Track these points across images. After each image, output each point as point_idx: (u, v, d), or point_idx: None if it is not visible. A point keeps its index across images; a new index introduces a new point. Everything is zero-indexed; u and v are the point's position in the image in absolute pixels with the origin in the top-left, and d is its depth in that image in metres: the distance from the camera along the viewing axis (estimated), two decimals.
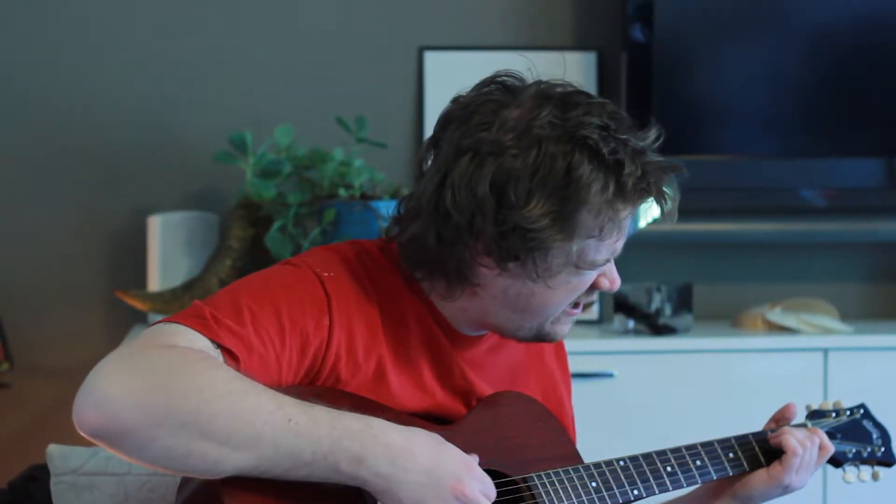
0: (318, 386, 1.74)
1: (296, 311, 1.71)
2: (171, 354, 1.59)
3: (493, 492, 1.69)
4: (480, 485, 1.68)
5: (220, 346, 1.64)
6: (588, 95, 1.77)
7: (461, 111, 1.77)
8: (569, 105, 1.73)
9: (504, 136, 1.72)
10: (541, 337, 1.84)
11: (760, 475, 2.00)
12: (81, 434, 1.56)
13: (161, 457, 1.56)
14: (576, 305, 1.83)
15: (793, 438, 1.99)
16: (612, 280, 1.82)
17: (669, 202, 1.78)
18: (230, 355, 1.64)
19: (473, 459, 1.70)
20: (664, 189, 1.76)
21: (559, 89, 1.76)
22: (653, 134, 1.77)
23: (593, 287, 1.81)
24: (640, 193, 1.74)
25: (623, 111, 1.78)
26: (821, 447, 2.02)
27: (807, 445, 2.00)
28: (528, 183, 1.70)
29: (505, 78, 1.79)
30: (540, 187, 1.70)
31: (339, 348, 1.75)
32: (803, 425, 2.07)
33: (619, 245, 1.79)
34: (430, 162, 1.80)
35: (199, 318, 1.65)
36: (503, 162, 1.71)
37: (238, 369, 1.63)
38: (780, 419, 2.08)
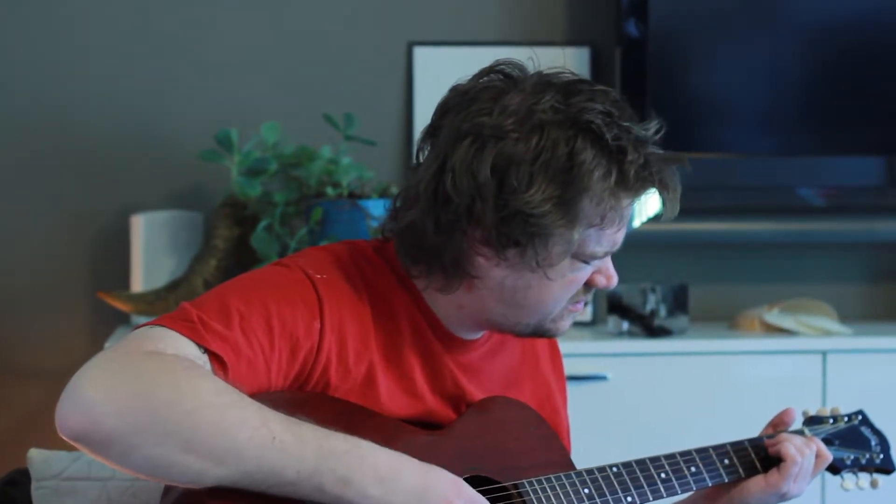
0: (306, 392, 1.73)
1: (286, 314, 1.70)
2: (157, 361, 1.57)
3: None
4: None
5: (206, 350, 1.62)
6: (591, 83, 1.77)
7: (460, 98, 1.77)
8: (571, 91, 1.73)
9: (505, 121, 1.71)
10: (540, 333, 1.83)
11: (757, 482, 1.99)
12: (63, 437, 1.56)
13: (143, 465, 1.55)
14: (576, 302, 1.81)
15: (791, 446, 1.98)
16: (608, 276, 1.81)
17: (671, 193, 1.76)
18: (217, 360, 1.63)
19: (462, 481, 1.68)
20: (666, 180, 1.75)
21: (561, 77, 1.76)
22: (654, 126, 1.76)
23: (590, 285, 1.80)
24: (643, 182, 1.73)
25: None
26: (818, 455, 2.01)
27: (805, 453, 1.99)
28: (529, 167, 1.69)
29: (504, 66, 1.78)
30: (542, 172, 1.69)
31: (330, 352, 1.73)
32: (800, 432, 2.06)
33: (620, 237, 1.78)
34: (427, 151, 1.79)
35: (185, 321, 1.64)
36: (504, 146, 1.70)
37: (225, 374, 1.61)
38: (779, 424, 2.07)
